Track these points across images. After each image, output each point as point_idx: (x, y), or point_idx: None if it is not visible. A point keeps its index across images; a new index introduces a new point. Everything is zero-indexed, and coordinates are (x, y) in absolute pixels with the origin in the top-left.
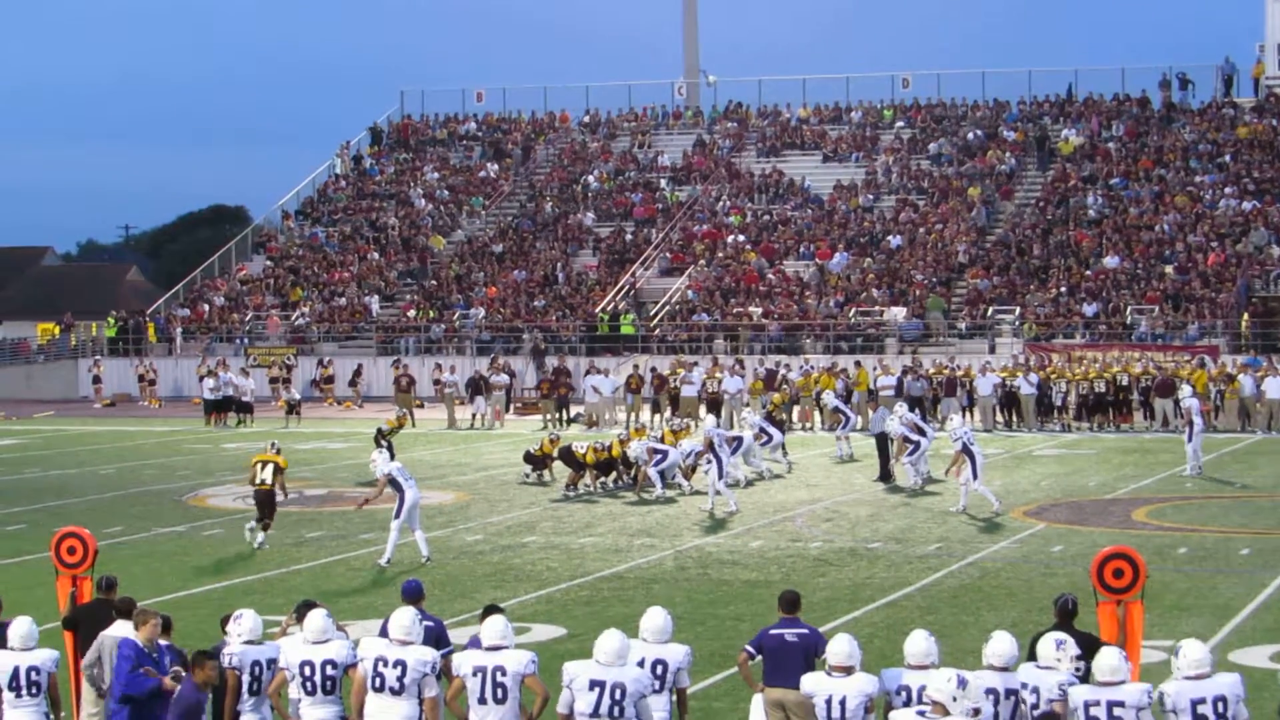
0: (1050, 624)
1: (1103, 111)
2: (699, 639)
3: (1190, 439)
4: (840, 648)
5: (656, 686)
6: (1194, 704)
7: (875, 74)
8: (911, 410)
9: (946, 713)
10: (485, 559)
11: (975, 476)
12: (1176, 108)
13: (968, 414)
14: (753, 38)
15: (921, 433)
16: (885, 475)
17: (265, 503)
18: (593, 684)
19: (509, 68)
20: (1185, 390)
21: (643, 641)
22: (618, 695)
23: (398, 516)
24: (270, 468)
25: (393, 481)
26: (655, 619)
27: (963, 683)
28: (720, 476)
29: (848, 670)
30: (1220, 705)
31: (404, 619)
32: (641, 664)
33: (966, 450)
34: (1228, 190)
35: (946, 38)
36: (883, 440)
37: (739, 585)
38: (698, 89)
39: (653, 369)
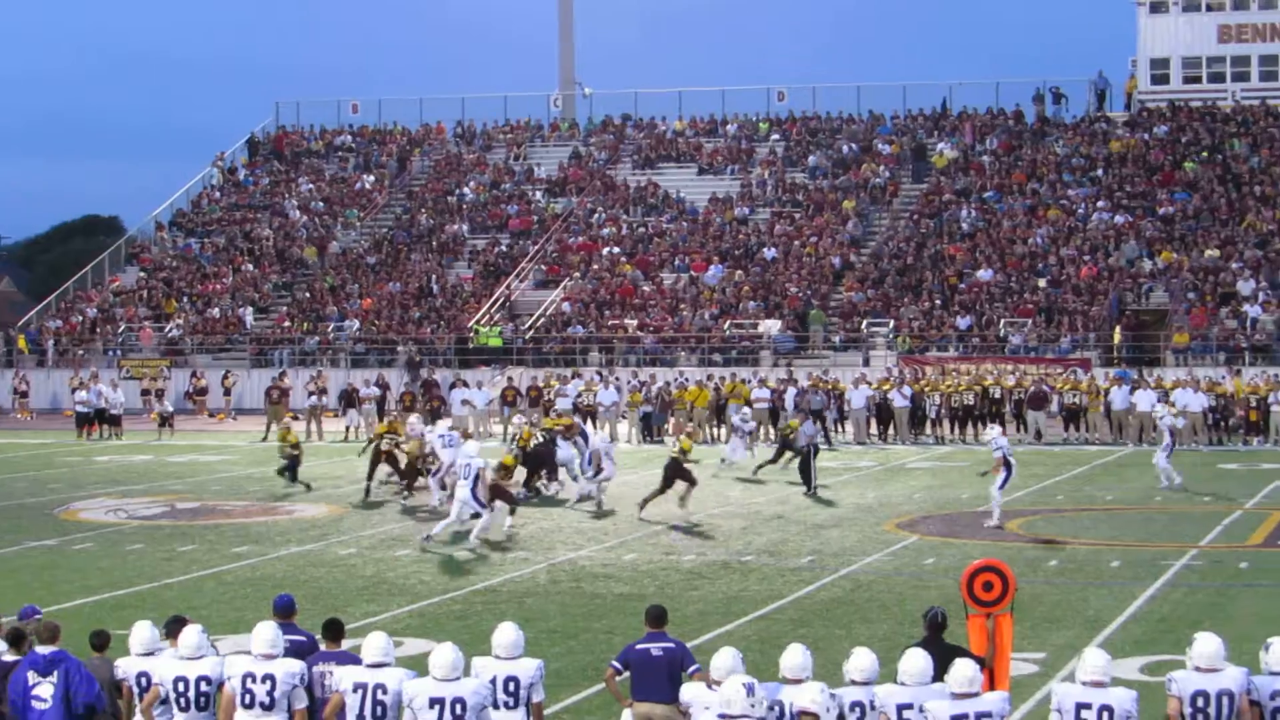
0: (921, 637)
1: (977, 125)
2: (571, 652)
3: (1163, 453)
4: (722, 661)
5: (506, 700)
6: (1079, 707)
7: (751, 87)
8: (816, 424)
9: None
10: (358, 572)
11: (1002, 487)
12: (1050, 122)
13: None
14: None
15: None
16: (810, 486)
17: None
18: (432, 701)
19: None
20: (1160, 409)
21: (495, 658)
22: (458, 710)
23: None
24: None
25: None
26: (506, 634)
27: (750, 690)
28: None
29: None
30: (1106, 715)
31: (267, 633)
32: (494, 681)
33: (1006, 462)
34: (1100, 204)
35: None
36: (807, 454)
37: (612, 599)
38: (574, 101)
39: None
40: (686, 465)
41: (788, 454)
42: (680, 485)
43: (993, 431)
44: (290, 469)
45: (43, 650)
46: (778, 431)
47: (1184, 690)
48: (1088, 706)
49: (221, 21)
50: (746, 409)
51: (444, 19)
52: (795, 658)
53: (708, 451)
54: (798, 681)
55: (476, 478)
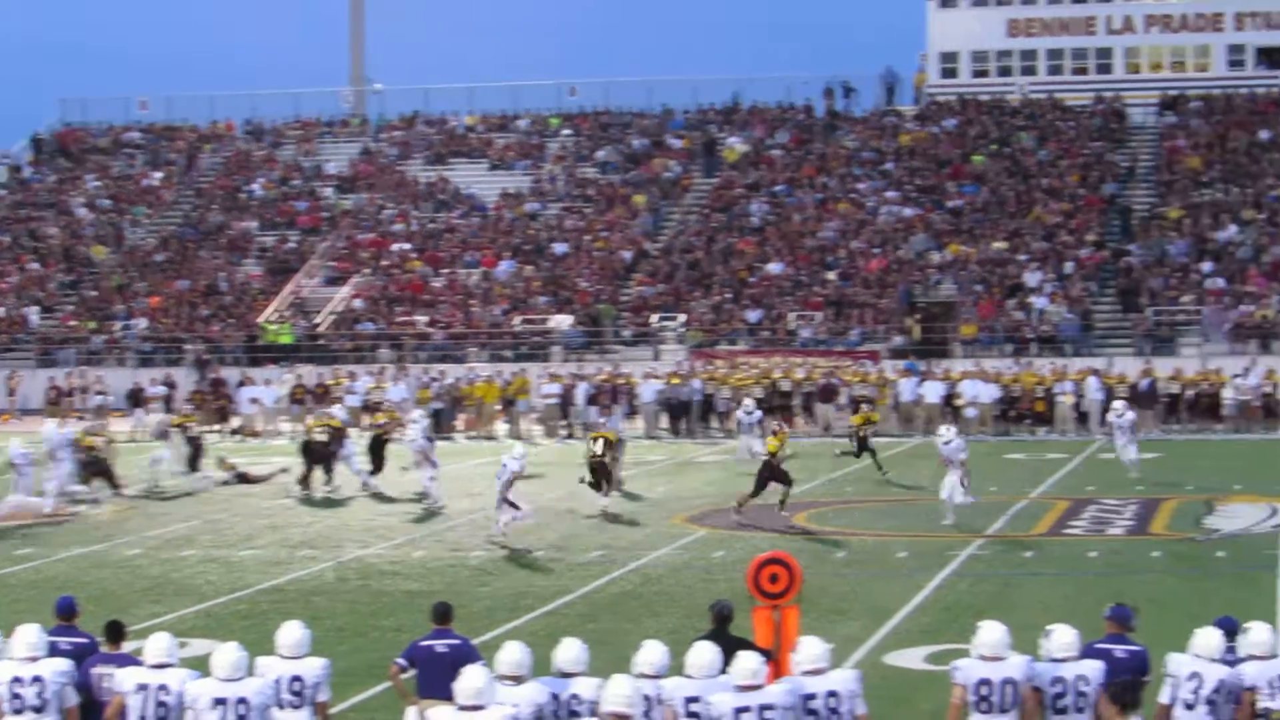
0: (708, 629)
1: (768, 120)
2: (358, 651)
3: (1120, 445)
4: (510, 656)
5: (291, 700)
6: (805, 699)
7: (542, 82)
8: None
9: None
10: (143, 573)
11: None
12: (840, 116)
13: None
14: (420, 47)
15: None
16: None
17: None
18: (215, 702)
19: (174, 76)
20: (1118, 406)
21: (279, 657)
22: (242, 710)
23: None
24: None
25: None
26: (290, 633)
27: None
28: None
29: (517, 679)
30: (832, 700)
31: (29, 635)
32: (278, 680)
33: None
34: (889, 196)
35: (613, 46)
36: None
37: (400, 596)
38: (364, 97)
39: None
40: (779, 465)
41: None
42: (777, 488)
43: (948, 433)
44: (95, 471)
45: None
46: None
47: (968, 678)
48: (812, 697)
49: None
50: (749, 401)
51: (234, 14)
52: (571, 651)
53: (491, 448)
54: (574, 675)
55: (510, 481)
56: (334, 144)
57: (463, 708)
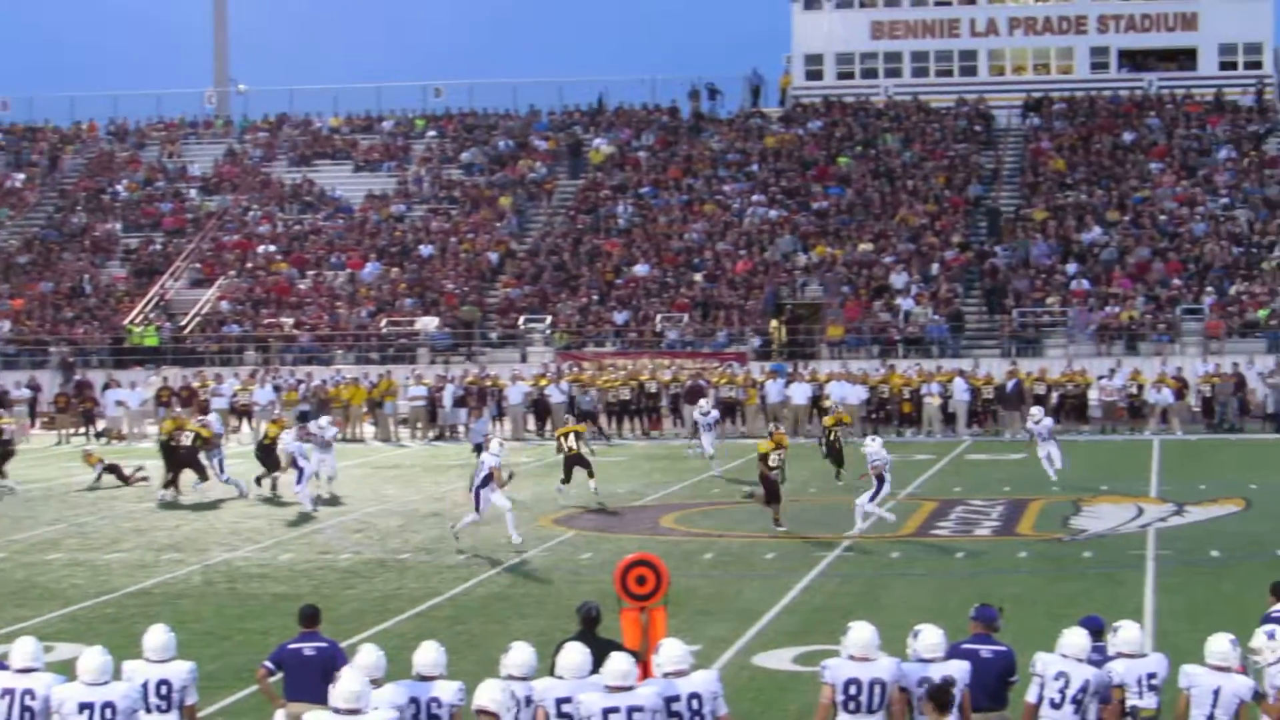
0: (575, 631)
1: (633, 121)
2: (226, 654)
3: (1043, 455)
4: (365, 659)
5: (159, 704)
6: (668, 701)
7: (407, 83)
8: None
9: None
10: (8, 576)
11: (873, 499)
12: (705, 118)
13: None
14: (284, 48)
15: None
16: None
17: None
18: (81, 706)
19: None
20: (1036, 412)
21: (146, 661)
22: (108, 714)
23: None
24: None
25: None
26: (157, 637)
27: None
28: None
29: (374, 682)
30: (695, 702)
31: None
32: (145, 684)
33: (881, 476)
34: (755, 198)
35: (478, 48)
36: (480, 450)
37: (268, 599)
38: (228, 98)
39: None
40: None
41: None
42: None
43: (874, 444)
44: None
45: None
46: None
47: (836, 678)
48: (676, 698)
49: None
50: (705, 402)
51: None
52: (430, 655)
53: (357, 450)
54: (432, 679)
55: (488, 477)
56: (198, 145)
57: (339, 711)
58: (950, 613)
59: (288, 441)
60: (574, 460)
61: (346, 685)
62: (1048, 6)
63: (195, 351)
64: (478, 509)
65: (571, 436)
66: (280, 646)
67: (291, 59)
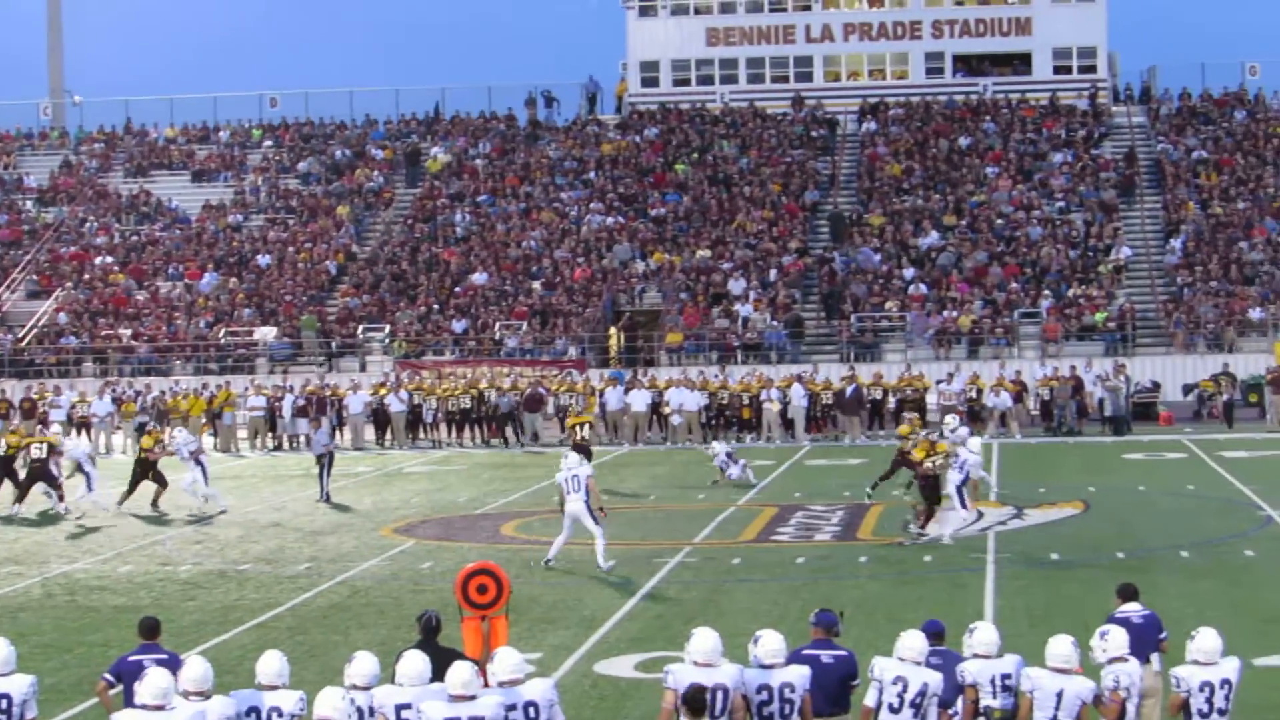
0: (416, 640)
1: (470, 129)
2: (66, 667)
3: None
4: (193, 672)
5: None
6: (506, 710)
7: (243, 93)
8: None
9: None
10: None
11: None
12: (542, 125)
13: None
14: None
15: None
16: (325, 495)
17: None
18: None
19: None
20: (951, 421)
21: None
22: None
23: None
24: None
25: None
26: None
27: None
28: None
29: (202, 695)
30: (532, 710)
31: None
32: None
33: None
34: (593, 206)
35: (313, 56)
36: (323, 460)
37: (108, 611)
38: (64, 109)
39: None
40: (907, 454)
41: None
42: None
43: (953, 421)
44: None
45: None
46: None
47: (679, 683)
48: (512, 707)
49: None
50: (716, 444)
51: None
52: (272, 664)
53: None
54: (274, 688)
55: (587, 489)
56: (34, 156)
57: (145, 708)
58: (791, 618)
59: (180, 447)
60: (580, 450)
61: (152, 681)
62: (882, 12)
63: (33, 363)
64: (595, 523)
65: (586, 427)
66: (121, 659)
67: (127, 70)
